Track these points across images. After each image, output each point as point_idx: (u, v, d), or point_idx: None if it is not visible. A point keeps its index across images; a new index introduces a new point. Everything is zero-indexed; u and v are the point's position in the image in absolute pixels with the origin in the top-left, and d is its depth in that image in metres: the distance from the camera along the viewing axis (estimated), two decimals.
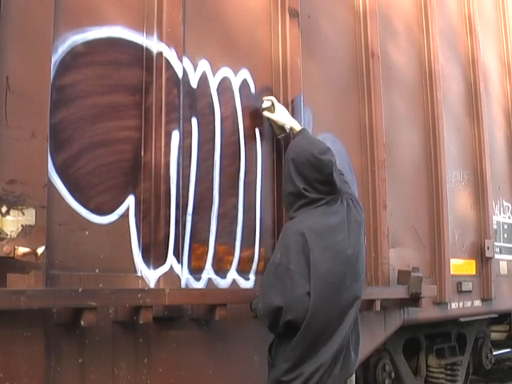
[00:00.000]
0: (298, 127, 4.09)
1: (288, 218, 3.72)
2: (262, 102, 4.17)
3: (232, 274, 3.90)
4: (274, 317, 3.31)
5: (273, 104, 4.15)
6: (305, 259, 3.32)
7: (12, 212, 2.80)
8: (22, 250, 2.76)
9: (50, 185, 3.00)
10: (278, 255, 3.41)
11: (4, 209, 2.78)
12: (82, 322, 2.90)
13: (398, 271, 5.12)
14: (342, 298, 3.39)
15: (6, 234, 2.77)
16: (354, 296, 3.45)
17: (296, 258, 3.33)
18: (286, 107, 4.24)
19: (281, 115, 4.12)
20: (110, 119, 3.36)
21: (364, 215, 3.78)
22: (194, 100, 3.78)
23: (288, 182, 3.62)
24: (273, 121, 4.16)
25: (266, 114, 4.15)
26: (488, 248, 6.57)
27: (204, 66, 3.86)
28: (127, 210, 3.38)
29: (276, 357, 3.41)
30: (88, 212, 3.20)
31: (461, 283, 6.12)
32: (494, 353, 7.87)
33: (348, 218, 3.54)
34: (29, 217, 2.85)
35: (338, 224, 3.49)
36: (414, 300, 5.07)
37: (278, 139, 4.22)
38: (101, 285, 3.16)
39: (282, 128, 4.16)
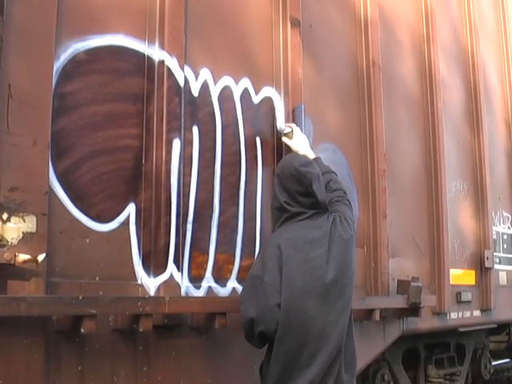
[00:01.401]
0: (311, 156, 4.08)
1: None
2: (284, 127, 4.24)
3: (232, 283, 3.90)
4: (249, 328, 3.29)
5: (292, 131, 4.19)
6: (279, 272, 3.28)
7: (13, 219, 2.80)
8: (22, 257, 2.76)
9: (51, 192, 3.00)
10: (255, 267, 3.40)
11: (5, 216, 2.78)
12: (82, 330, 2.90)
13: (398, 281, 5.12)
14: (324, 316, 3.29)
15: (7, 241, 2.78)
16: (337, 314, 3.34)
17: (270, 270, 3.29)
18: (287, 116, 4.27)
19: (297, 143, 4.15)
20: (112, 127, 3.36)
21: (353, 233, 3.62)
22: (196, 109, 3.79)
23: (273, 197, 3.61)
24: (289, 146, 4.19)
25: (283, 139, 4.21)
26: (487, 258, 6.57)
27: (205, 74, 3.87)
28: (128, 218, 3.38)
29: (265, 376, 3.36)
30: (89, 220, 3.20)
31: (460, 293, 6.12)
32: (493, 363, 7.85)
33: (331, 234, 3.45)
34: (30, 224, 2.85)
35: (319, 238, 3.42)
36: (414, 310, 5.07)
37: (279, 148, 4.23)
38: (101, 292, 3.16)
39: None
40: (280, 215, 3.54)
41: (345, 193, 3.85)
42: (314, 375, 3.22)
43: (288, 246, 3.34)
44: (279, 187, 3.53)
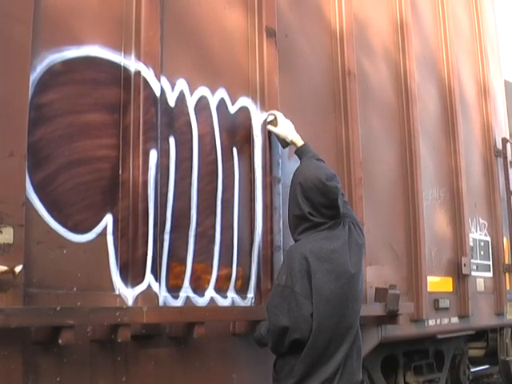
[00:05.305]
0: (299, 142, 4.26)
1: (293, 240, 3.82)
2: (268, 116, 4.33)
3: (210, 293, 3.90)
4: (279, 337, 3.44)
5: (276, 118, 4.29)
6: (308, 282, 3.44)
7: None
8: None
9: (27, 203, 2.99)
10: (283, 278, 3.51)
11: None
12: (60, 341, 2.90)
13: (376, 289, 5.14)
14: (345, 319, 3.51)
15: None
16: (354, 316, 3.61)
17: (300, 281, 3.45)
18: (263, 125, 4.30)
19: (282, 129, 4.30)
20: (88, 138, 3.36)
21: (364, 238, 3.87)
22: (172, 119, 3.80)
23: (294, 204, 3.73)
24: (276, 134, 4.31)
25: (269, 127, 4.35)
26: (465, 265, 6.60)
27: (182, 85, 3.88)
28: (105, 228, 3.37)
29: (280, 372, 3.52)
30: (66, 230, 3.19)
31: (438, 300, 6.15)
32: (472, 369, 7.91)
33: (349, 242, 3.65)
34: (7, 235, 2.84)
35: (340, 248, 3.59)
36: (392, 317, 5.10)
37: (256, 158, 4.25)
38: (79, 303, 3.15)
39: (285, 141, 4.32)
40: (300, 223, 3.70)
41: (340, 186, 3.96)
42: (332, 370, 3.42)
43: (314, 258, 3.50)
44: (302, 196, 3.67)
